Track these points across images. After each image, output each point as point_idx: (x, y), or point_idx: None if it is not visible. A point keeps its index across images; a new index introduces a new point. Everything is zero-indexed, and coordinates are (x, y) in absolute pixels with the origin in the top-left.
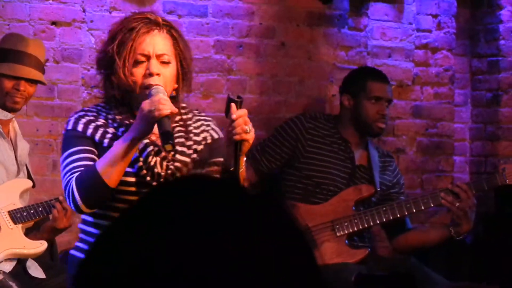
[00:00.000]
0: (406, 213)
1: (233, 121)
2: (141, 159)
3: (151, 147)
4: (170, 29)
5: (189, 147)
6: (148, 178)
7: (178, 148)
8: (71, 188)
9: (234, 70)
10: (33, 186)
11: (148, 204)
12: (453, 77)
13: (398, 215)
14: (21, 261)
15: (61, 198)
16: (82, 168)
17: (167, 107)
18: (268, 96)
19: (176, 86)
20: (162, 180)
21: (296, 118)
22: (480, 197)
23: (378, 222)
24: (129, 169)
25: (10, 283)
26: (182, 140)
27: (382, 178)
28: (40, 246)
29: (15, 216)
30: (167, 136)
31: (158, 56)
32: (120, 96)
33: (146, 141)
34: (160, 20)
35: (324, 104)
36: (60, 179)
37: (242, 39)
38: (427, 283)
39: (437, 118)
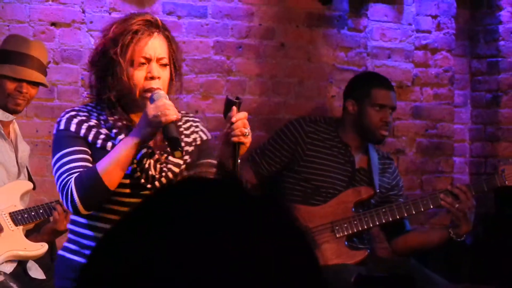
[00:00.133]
0: (406, 215)
1: (231, 123)
2: (135, 161)
3: (145, 150)
4: (165, 31)
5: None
6: (143, 181)
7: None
8: (69, 189)
9: (234, 71)
10: (34, 188)
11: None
12: (452, 78)
13: (398, 217)
14: (21, 263)
15: (61, 200)
16: (80, 169)
17: (173, 113)
18: (268, 97)
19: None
20: (156, 182)
21: (295, 121)
22: (480, 198)
23: (377, 223)
24: None
25: (11, 284)
26: None
27: (381, 180)
28: (41, 248)
29: (16, 218)
30: (175, 143)
31: (158, 59)
32: (116, 98)
33: None
34: (159, 22)
35: (323, 105)
36: None
37: (242, 40)
38: (427, 284)
39: (436, 119)
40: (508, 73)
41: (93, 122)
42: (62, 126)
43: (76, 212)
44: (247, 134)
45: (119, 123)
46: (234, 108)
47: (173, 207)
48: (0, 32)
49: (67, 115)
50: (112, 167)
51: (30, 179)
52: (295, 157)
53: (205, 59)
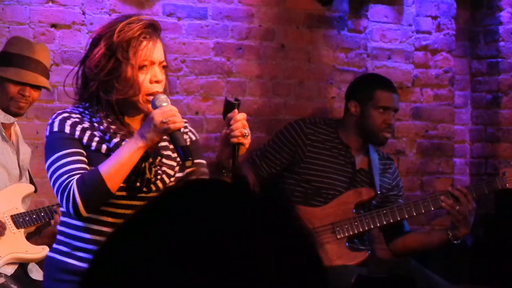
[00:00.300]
0: (407, 216)
1: (231, 124)
2: None
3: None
4: (160, 33)
5: (173, 151)
6: (138, 184)
7: (164, 152)
8: (71, 191)
9: (234, 72)
10: (35, 191)
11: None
12: (453, 79)
13: (399, 218)
14: (22, 265)
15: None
16: (80, 171)
17: (180, 120)
18: (268, 98)
19: None
20: (152, 185)
21: (295, 123)
22: (480, 199)
23: (378, 225)
24: None
25: (12, 286)
26: (165, 143)
27: (382, 181)
28: (42, 251)
29: (18, 220)
30: (186, 152)
31: (160, 63)
32: (116, 101)
33: None
34: (159, 26)
35: (323, 106)
36: None
37: (242, 41)
38: (428, 285)
39: (437, 120)
40: (508, 74)
41: (86, 124)
42: (56, 128)
43: (77, 214)
44: (246, 135)
45: (114, 126)
46: (236, 110)
47: (174, 208)
48: (0, 34)
49: (60, 117)
50: (115, 170)
51: (31, 181)
52: (295, 158)
53: (205, 61)
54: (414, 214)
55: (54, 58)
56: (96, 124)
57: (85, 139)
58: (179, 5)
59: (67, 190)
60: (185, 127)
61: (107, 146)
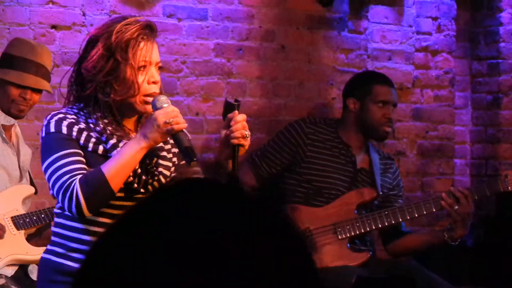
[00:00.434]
0: (408, 218)
1: (229, 125)
2: None
3: None
4: (156, 35)
5: (168, 151)
6: (135, 185)
7: (159, 153)
8: (74, 190)
9: (234, 73)
10: (36, 192)
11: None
12: (453, 80)
13: (400, 220)
14: (22, 266)
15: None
16: (81, 171)
17: (183, 121)
18: (268, 99)
19: None
20: (149, 186)
21: (296, 123)
22: (482, 201)
23: (380, 226)
24: None
25: (12, 287)
26: (160, 144)
27: (383, 180)
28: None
29: (18, 222)
30: (191, 153)
31: (156, 64)
32: (113, 103)
33: None
34: (156, 27)
35: (324, 107)
36: None
37: (242, 42)
38: (428, 285)
39: (437, 121)
40: (508, 75)
41: (82, 125)
42: (52, 129)
43: (80, 214)
44: (246, 136)
45: (111, 127)
46: (236, 111)
47: (169, 207)
48: (0, 35)
49: (56, 117)
50: (117, 170)
51: (32, 183)
52: (296, 159)
53: (206, 62)
54: (416, 215)
55: (55, 59)
56: (92, 125)
57: (82, 140)
58: (179, 6)
59: (70, 190)
60: None
61: (104, 147)
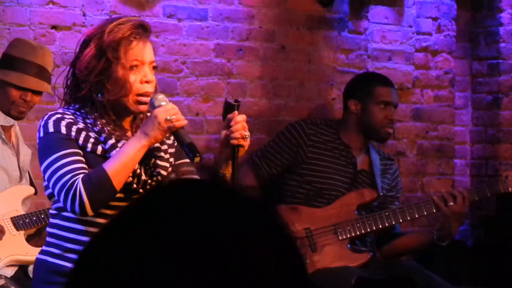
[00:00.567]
0: (409, 218)
1: (229, 126)
2: None
3: None
4: (150, 34)
5: (165, 152)
6: (135, 186)
7: (157, 153)
8: (77, 189)
9: (234, 73)
10: (35, 193)
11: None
12: (453, 80)
13: (401, 220)
14: (22, 266)
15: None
16: (83, 171)
17: (183, 118)
18: (268, 99)
19: None
20: (148, 186)
21: (297, 124)
22: (482, 201)
23: (380, 226)
24: None
25: (12, 287)
26: (157, 145)
27: (382, 181)
28: None
29: (18, 222)
30: (194, 149)
31: (150, 63)
32: (108, 102)
33: None
34: (149, 27)
35: (324, 108)
36: None
37: (242, 43)
38: (428, 286)
39: (437, 121)
40: (508, 75)
41: (81, 125)
42: (51, 129)
43: (83, 213)
44: (246, 137)
45: (109, 127)
46: (236, 111)
47: (166, 206)
48: (0, 35)
49: (53, 118)
50: (120, 168)
51: (31, 183)
52: (296, 159)
53: (206, 62)
54: (416, 216)
55: (55, 59)
56: (90, 125)
57: (80, 140)
58: (179, 7)
59: (73, 189)
60: None
61: (103, 147)
